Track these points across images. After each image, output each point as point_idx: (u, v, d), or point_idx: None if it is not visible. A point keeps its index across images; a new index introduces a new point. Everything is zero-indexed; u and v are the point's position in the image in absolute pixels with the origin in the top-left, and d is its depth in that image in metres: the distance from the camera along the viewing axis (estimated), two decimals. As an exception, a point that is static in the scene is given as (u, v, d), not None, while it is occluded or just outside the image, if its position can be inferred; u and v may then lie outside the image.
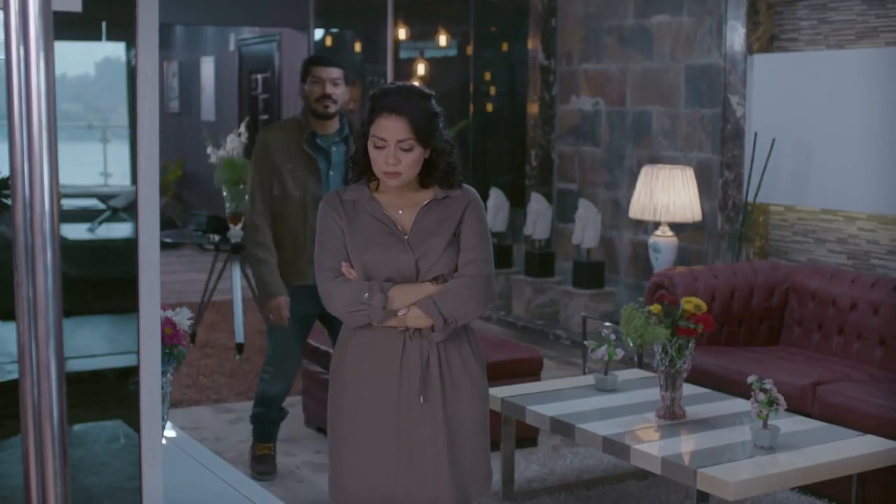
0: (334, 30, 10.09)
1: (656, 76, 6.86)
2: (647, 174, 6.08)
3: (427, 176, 2.75)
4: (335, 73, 4.32)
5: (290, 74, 10.05)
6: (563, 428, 3.97)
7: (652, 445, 3.70)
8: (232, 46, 11.19)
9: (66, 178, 1.12)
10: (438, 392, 2.73)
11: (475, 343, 2.84)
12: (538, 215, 7.50)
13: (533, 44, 7.88)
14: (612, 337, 4.26)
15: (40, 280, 1.05)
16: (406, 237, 2.73)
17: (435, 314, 2.68)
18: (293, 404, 5.72)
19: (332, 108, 4.27)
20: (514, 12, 8.52)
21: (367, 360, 2.76)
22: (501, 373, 4.75)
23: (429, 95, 2.75)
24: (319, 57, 4.69)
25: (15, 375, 1.06)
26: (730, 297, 5.33)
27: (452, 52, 9.77)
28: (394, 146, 2.66)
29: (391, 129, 2.66)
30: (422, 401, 2.72)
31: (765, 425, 3.62)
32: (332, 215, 2.77)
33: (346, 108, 4.46)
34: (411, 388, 2.72)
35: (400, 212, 2.76)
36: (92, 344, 2.18)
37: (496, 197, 7.90)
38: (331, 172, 4.26)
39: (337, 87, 4.28)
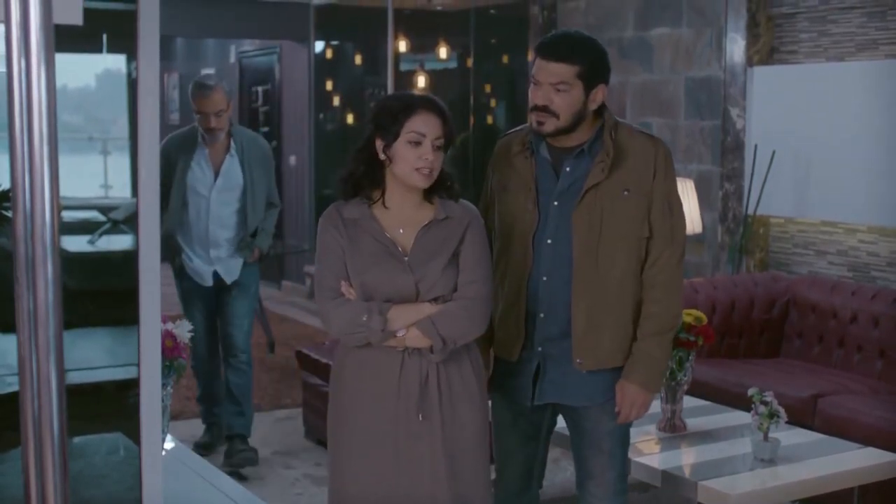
0: (335, 42, 10.11)
1: (656, 88, 6.87)
2: (647, 186, 6.07)
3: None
4: (562, 73, 2.92)
5: (290, 86, 10.06)
6: (563, 440, 3.96)
7: (652, 458, 3.69)
8: (233, 59, 11.19)
9: (66, 190, 1.12)
10: (437, 410, 2.71)
11: (476, 360, 2.83)
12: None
13: (533, 56, 7.89)
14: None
15: (41, 292, 1.04)
16: (406, 258, 2.71)
17: (434, 335, 2.66)
18: (293, 417, 5.71)
19: (549, 128, 2.93)
20: (514, 24, 8.54)
21: (365, 377, 2.74)
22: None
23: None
24: (548, 44, 3.05)
25: (15, 387, 1.06)
26: (730, 309, 5.32)
27: (453, 65, 9.78)
28: (430, 143, 2.66)
29: (431, 125, 2.66)
30: (420, 419, 2.70)
31: (765, 438, 3.61)
32: (333, 233, 2.73)
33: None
34: (409, 405, 2.70)
35: (401, 231, 2.73)
36: (92, 356, 2.18)
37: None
38: (554, 203, 2.97)
39: (559, 94, 2.91)
